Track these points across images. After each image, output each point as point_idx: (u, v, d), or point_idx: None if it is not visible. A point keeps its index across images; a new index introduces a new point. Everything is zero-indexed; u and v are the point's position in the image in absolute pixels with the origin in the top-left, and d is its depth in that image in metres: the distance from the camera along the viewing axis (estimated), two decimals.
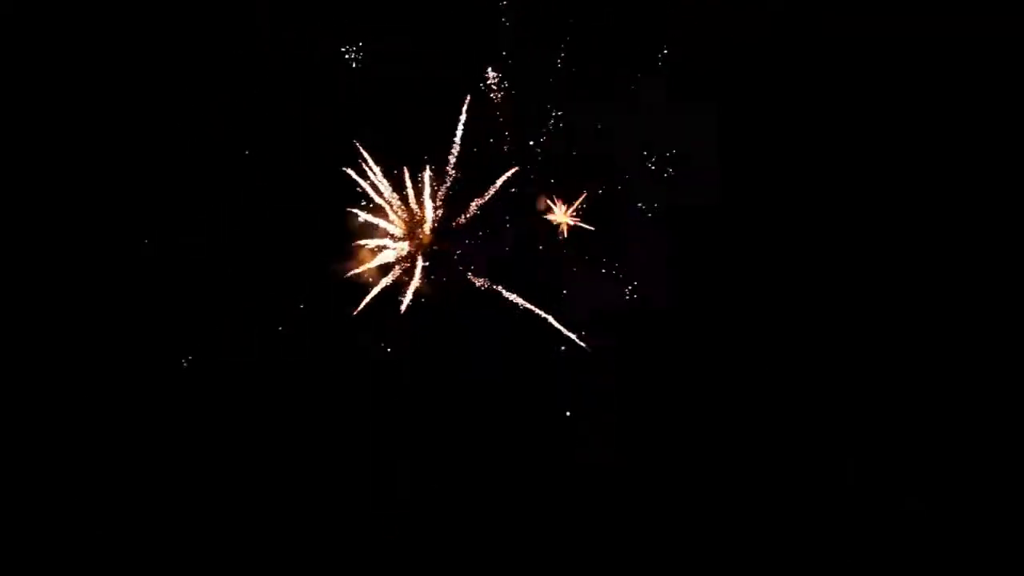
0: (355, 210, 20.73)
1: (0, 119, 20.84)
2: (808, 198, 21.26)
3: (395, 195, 20.77)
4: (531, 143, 21.24)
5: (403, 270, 20.91)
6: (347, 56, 21.33)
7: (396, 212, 20.82)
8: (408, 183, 20.67)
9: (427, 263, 20.93)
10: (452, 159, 20.75)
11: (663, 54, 21.30)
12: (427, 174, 20.51)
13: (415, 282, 20.78)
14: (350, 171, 20.66)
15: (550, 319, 20.71)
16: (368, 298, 20.53)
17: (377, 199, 20.85)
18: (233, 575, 19.76)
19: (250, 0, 21.55)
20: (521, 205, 21.24)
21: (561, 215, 21.07)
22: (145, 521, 19.91)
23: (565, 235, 21.14)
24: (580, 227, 21.09)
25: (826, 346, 20.95)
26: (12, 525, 19.30)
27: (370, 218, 20.73)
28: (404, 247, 20.93)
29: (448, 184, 20.81)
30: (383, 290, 20.75)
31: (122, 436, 20.32)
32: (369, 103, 21.39)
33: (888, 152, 21.28)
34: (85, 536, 19.63)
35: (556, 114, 21.24)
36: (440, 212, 20.85)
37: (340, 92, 21.42)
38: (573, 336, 20.77)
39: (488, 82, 21.01)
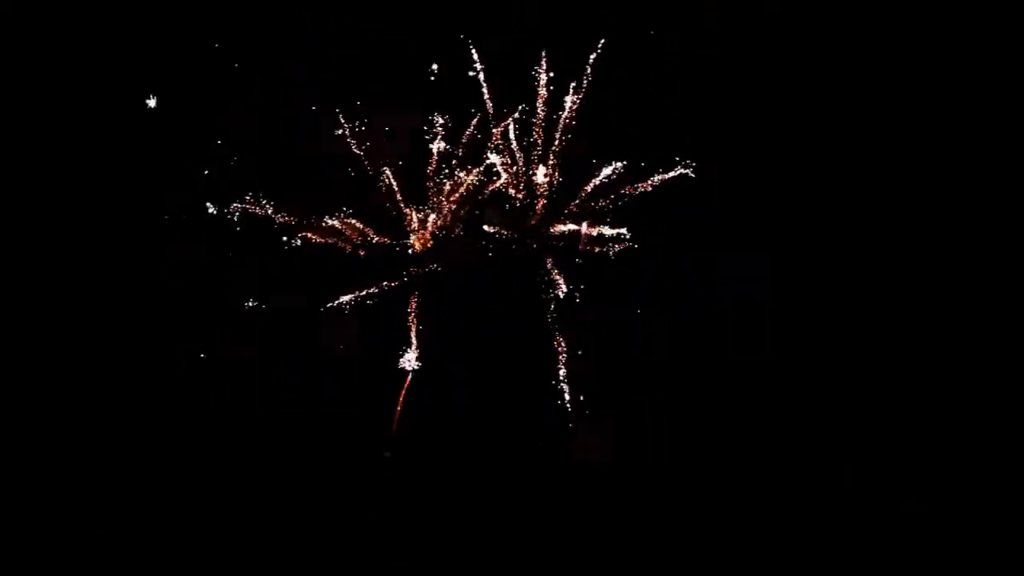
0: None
1: None
2: (805, 202, 21.30)
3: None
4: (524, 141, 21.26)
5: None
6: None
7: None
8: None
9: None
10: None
11: (660, 55, 21.34)
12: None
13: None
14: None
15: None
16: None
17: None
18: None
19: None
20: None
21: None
22: (143, 520, 20.04)
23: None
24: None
25: (823, 348, 21.00)
26: (12, 525, 19.42)
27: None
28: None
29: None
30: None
31: (119, 435, 20.47)
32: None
33: (888, 155, 21.27)
34: (85, 535, 19.74)
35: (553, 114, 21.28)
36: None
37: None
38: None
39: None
